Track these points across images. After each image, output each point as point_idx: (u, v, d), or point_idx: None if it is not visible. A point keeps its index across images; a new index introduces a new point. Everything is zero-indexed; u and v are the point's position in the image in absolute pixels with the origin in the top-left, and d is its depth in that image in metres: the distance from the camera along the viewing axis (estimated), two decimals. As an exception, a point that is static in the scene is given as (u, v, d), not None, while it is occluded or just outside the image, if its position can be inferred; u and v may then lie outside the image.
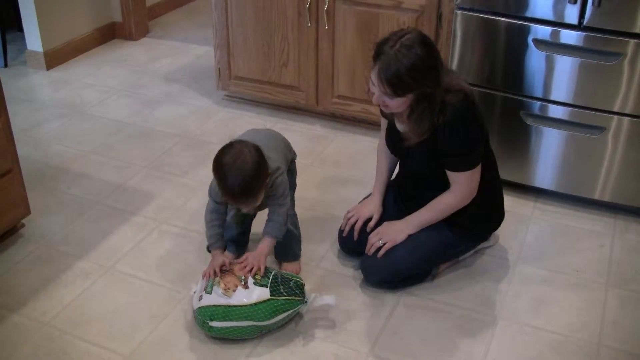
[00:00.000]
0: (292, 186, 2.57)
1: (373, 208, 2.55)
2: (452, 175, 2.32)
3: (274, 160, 2.30)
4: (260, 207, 2.35)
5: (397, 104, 2.18)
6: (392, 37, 2.14)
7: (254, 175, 2.15)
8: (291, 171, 2.55)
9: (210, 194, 2.39)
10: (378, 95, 2.18)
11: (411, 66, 2.09)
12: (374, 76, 2.15)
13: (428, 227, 2.41)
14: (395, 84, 2.11)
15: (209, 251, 2.40)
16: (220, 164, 2.17)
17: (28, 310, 2.36)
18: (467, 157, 2.27)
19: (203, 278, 2.29)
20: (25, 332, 2.28)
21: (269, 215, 2.36)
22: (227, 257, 2.37)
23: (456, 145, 2.24)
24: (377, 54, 2.14)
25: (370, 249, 2.42)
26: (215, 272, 2.26)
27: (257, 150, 2.19)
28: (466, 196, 2.35)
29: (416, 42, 2.11)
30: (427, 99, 2.16)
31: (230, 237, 2.54)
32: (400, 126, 2.36)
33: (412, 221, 2.42)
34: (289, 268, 2.51)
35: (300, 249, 2.57)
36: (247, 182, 2.14)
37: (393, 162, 2.58)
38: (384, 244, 2.39)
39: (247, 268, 2.24)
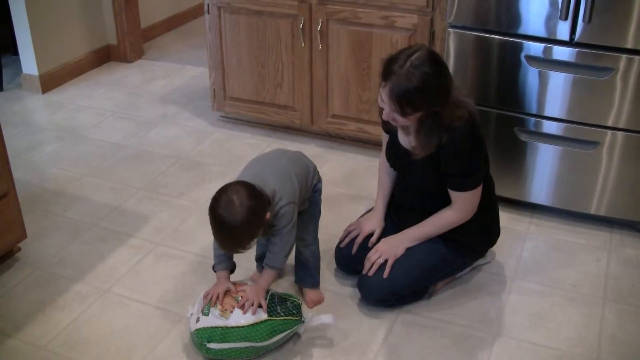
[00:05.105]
0: (316, 215, 2.49)
1: (375, 223, 2.54)
2: (453, 194, 2.33)
3: (285, 194, 2.22)
4: (265, 234, 2.29)
5: (407, 120, 2.21)
6: (401, 55, 2.14)
7: (244, 229, 2.10)
8: (314, 203, 2.45)
9: None
10: (388, 112, 2.20)
11: (422, 87, 2.10)
12: (384, 95, 2.16)
13: (424, 245, 2.41)
14: (405, 104, 2.13)
15: (215, 271, 2.33)
16: (212, 215, 2.12)
17: (25, 335, 2.36)
18: (468, 179, 2.29)
19: (204, 297, 2.25)
20: (22, 357, 2.27)
21: (269, 246, 2.29)
22: (230, 282, 2.29)
23: (458, 167, 2.27)
24: (387, 73, 2.14)
25: (372, 268, 2.40)
26: (218, 297, 2.22)
27: (250, 197, 2.09)
28: (467, 214, 2.36)
29: (426, 60, 2.12)
30: (437, 115, 2.19)
31: (257, 256, 2.58)
32: (405, 140, 2.37)
33: (410, 235, 2.42)
34: (311, 295, 2.47)
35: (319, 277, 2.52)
36: (236, 238, 2.13)
37: (394, 176, 2.57)
38: (385, 260, 2.39)
39: (247, 306, 2.19)
